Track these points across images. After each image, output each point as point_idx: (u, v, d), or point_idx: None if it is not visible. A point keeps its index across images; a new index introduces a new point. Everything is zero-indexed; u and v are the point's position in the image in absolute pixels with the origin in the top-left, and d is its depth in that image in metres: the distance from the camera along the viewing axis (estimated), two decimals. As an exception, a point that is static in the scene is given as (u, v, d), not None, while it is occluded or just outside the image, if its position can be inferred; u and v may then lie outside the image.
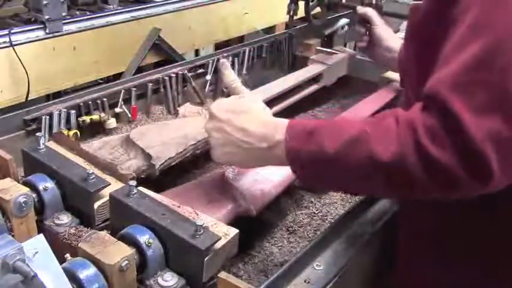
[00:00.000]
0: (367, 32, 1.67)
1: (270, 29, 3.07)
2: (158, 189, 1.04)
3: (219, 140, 1.00)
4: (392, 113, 0.86)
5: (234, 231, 0.90)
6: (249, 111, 1.01)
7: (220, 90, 1.82)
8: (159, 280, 0.86)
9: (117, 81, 1.71)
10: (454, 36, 0.82)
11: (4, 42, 1.86)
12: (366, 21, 1.68)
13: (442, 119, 0.78)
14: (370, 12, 1.67)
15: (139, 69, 2.26)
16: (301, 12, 1.93)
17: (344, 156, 0.85)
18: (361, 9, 1.71)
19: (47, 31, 1.99)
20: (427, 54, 0.93)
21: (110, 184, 0.99)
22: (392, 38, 1.65)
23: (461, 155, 0.77)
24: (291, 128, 0.92)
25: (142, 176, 1.29)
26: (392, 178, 0.84)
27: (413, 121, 0.81)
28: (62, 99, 1.51)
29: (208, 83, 1.80)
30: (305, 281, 0.99)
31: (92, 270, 0.78)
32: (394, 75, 1.75)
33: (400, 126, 0.83)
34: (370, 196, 1.24)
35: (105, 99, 1.54)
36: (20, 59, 1.87)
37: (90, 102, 1.51)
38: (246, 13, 2.83)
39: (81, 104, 1.49)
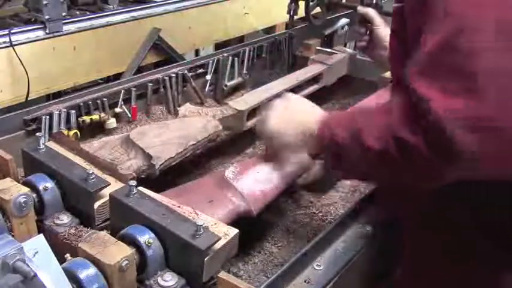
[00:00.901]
0: (367, 32, 1.67)
1: (270, 29, 3.07)
2: (158, 189, 1.04)
3: (280, 114, 1.17)
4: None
5: (234, 231, 0.90)
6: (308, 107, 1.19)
7: (220, 89, 1.82)
8: (159, 280, 0.86)
9: (117, 81, 1.71)
10: (425, 28, 0.86)
11: (4, 42, 1.86)
12: (366, 22, 1.68)
13: (411, 103, 0.83)
14: (371, 12, 1.67)
15: (139, 69, 2.26)
16: (301, 12, 1.93)
17: (348, 147, 0.96)
18: (362, 9, 1.71)
19: (47, 31, 1.98)
20: (406, 47, 0.97)
21: (109, 184, 0.99)
22: (393, 38, 1.65)
23: (427, 133, 0.80)
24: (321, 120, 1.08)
25: (143, 176, 1.29)
26: (381, 162, 0.91)
27: (390, 106, 0.90)
28: (62, 99, 1.51)
29: (208, 83, 1.80)
30: (305, 281, 0.99)
31: (92, 270, 0.78)
32: (394, 75, 1.75)
33: (381, 112, 0.92)
34: (380, 183, 1.22)
35: (105, 99, 1.54)
36: (20, 59, 1.87)
37: (90, 102, 1.51)
38: (246, 13, 2.83)
39: (81, 104, 1.49)
